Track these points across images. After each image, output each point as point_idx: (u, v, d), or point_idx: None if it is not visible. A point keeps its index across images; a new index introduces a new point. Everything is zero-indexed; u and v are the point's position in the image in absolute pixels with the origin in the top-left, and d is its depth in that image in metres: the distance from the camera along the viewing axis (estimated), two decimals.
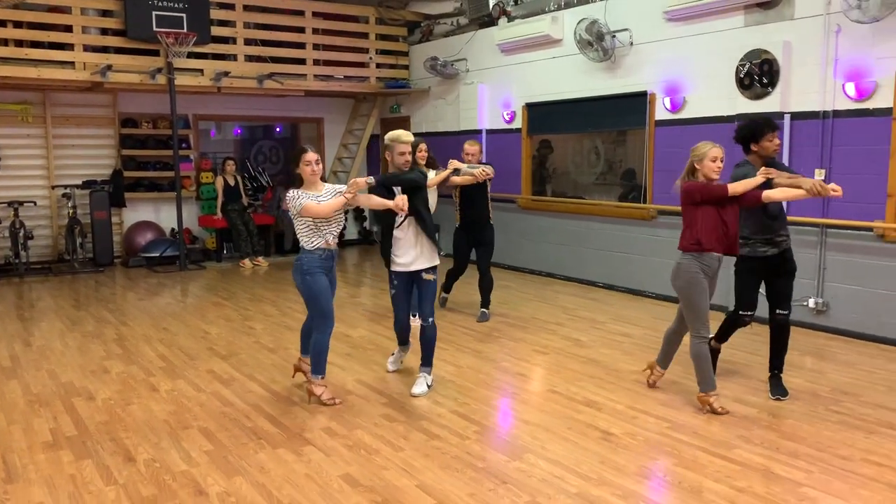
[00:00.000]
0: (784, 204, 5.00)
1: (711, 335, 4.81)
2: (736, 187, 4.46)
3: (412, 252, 4.91)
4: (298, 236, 4.69)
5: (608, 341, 6.30)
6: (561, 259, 9.29)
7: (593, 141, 9.36)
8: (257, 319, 7.23)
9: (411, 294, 5.18)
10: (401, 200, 4.55)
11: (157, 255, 10.45)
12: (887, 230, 6.10)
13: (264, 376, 5.38)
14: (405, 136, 4.88)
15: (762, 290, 4.94)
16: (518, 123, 9.79)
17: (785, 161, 6.70)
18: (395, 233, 4.89)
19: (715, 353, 5.06)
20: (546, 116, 9.39)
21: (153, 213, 11.17)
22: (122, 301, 8.22)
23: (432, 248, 4.97)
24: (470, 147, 7.08)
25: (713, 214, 4.50)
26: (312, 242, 4.63)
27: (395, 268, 4.96)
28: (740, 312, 4.93)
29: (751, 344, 6.07)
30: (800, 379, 5.24)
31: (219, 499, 3.47)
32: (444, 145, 10.66)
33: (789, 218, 6.62)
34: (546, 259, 9.51)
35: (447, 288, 7.52)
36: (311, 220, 4.58)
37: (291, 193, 4.58)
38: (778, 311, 4.85)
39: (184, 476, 3.72)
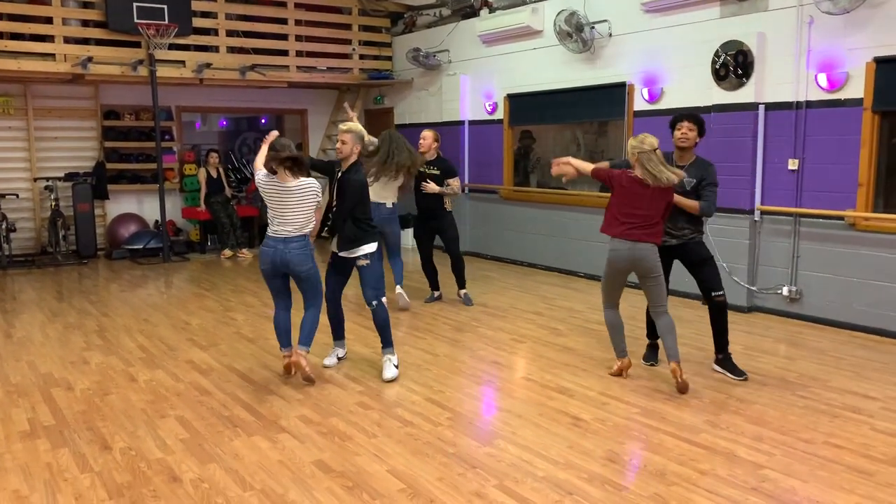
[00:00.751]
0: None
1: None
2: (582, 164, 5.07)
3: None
4: (307, 220, 4.85)
5: (585, 330, 6.39)
6: (542, 249, 9.37)
7: (575, 131, 9.43)
8: (238, 310, 7.28)
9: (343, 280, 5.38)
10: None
11: (141, 247, 10.47)
12: (858, 219, 6.20)
13: (242, 366, 5.43)
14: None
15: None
16: (500, 114, 9.84)
17: (759, 151, 6.81)
18: None
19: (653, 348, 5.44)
20: (527, 107, 9.45)
21: (136, 205, 11.17)
22: (105, 293, 8.24)
23: (356, 235, 5.07)
24: (426, 133, 7.31)
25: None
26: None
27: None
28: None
29: (706, 326, 6.16)
30: (769, 365, 5.35)
31: (192, 485, 3.53)
32: None
33: (764, 208, 6.76)
34: (528, 249, 9.58)
35: (434, 286, 7.61)
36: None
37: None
38: (714, 294, 5.00)
39: (159, 463, 3.77)
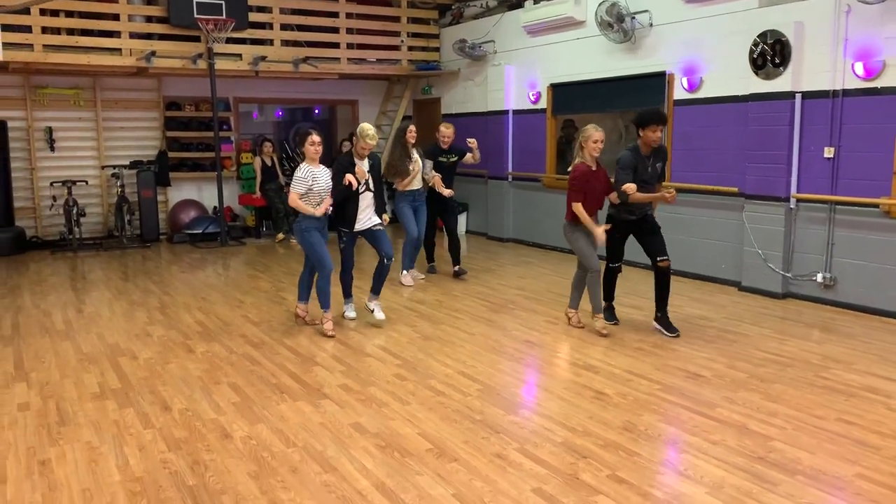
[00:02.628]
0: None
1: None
2: (577, 211, 5.80)
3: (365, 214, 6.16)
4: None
5: (618, 313, 6.58)
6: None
7: (617, 120, 9.57)
8: (289, 291, 7.69)
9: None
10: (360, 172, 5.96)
11: (200, 231, 11.02)
12: (893, 207, 6.25)
13: (291, 341, 5.83)
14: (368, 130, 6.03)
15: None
16: (543, 104, 10.04)
17: (795, 140, 6.89)
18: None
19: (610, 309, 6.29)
20: (570, 97, 9.63)
21: (196, 192, 11.75)
22: (166, 274, 8.78)
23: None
24: (445, 129, 7.98)
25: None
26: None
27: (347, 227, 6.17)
28: (610, 265, 6.14)
29: (748, 315, 6.31)
30: (796, 348, 5.49)
31: (241, 441, 3.91)
32: (473, 125, 11.02)
33: (800, 195, 6.84)
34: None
35: (430, 258, 8.50)
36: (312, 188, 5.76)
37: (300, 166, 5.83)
38: (658, 259, 5.77)
39: (212, 423, 4.17)
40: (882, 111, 6.24)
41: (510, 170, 10.67)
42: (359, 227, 6.15)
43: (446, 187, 7.82)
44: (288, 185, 11.55)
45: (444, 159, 7.94)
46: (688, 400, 4.46)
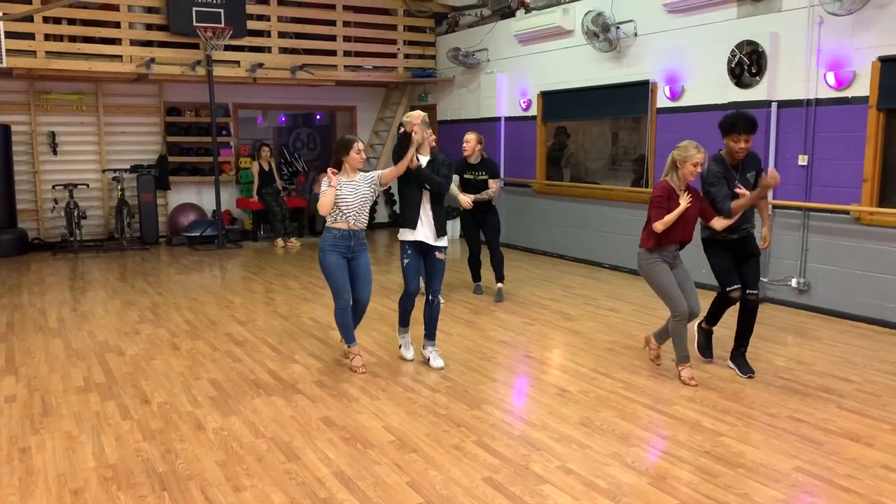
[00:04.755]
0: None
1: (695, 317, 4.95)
2: (657, 227, 4.72)
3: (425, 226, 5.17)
4: None
5: (594, 315, 6.76)
6: (570, 241, 9.73)
7: (607, 127, 9.75)
8: (279, 292, 7.90)
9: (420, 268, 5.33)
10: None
11: (198, 234, 11.26)
12: (863, 213, 6.39)
13: (274, 339, 6.02)
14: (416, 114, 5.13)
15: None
16: (534, 111, 10.23)
17: (771, 149, 7.04)
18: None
19: (708, 333, 5.40)
20: (559, 104, 9.82)
21: (195, 196, 11.99)
22: (162, 275, 9.00)
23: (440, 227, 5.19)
24: (467, 136, 7.35)
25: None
26: (334, 221, 5.02)
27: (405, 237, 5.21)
28: (727, 290, 4.99)
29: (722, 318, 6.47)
30: (762, 350, 5.63)
31: (213, 432, 4.11)
32: (465, 132, 11.20)
33: (776, 202, 6.98)
34: (556, 241, 9.96)
35: (476, 277, 7.75)
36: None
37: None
38: (748, 292, 4.99)
39: (188, 415, 4.37)
40: (852, 120, 6.39)
41: (501, 176, 10.84)
42: (420, 236, 5.13)
43: (477, 208, 7.15)
44: (286, 189, 11.85)
45: (472, 176, 7.23)
46: (647, 398, 4.62)
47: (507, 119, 10.76)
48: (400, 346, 5.51)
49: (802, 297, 6.93)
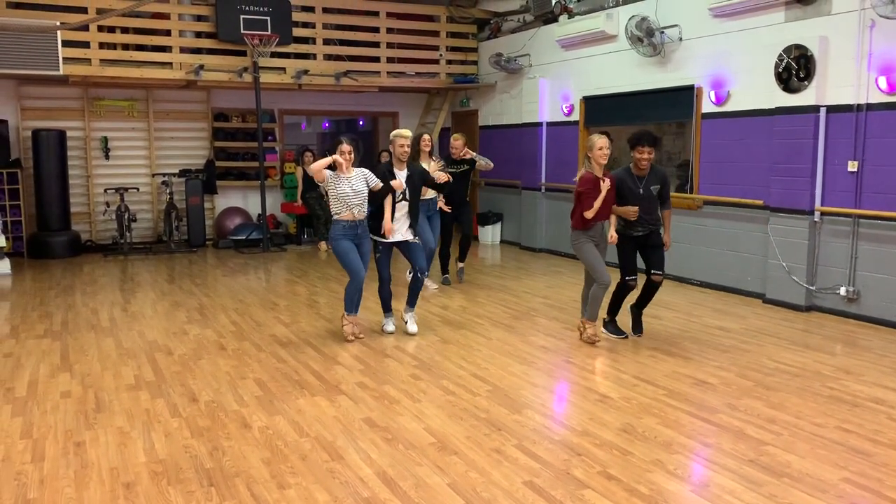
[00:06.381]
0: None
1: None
2: (588, 214, 5.79)
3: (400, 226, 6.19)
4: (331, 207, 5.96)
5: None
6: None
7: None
8: (322, 295, 8.01)
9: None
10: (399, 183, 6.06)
11: (244, 237, 11.47)
12: None
13: (317, 341, 6.12)
14: (405, 132, 6.22)
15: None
16: (576, 116, 10.20)
17: (819, 154, 6.92)
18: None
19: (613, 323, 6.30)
20: (601, 109, 9.78)
21: (242, 200, 12.23)
22: (209, 277, 9.20)
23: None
24: (454, 140, 8.22)
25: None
26: (339, 213, 5.83)
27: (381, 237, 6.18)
28: (626, 279, 6.02)
29: (769, 326, 6.36)
30: (809, 360, 5.54)
31: (259, 431, 4.20)
32: (507, 137, 11.25)
33: (824, 209, 6.87)
34: None
35: (445, 270, 8.53)
36: (336, 193, 5.80)
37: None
38: (653, 272, 6.02)
39: (235, 414, 4.47)
40: None
41: (543, 181, 10.85)
42: (393, 237, 6.17)
43: (458, 196, 8.07)
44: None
45: (454, 169, 8.01)
46: (690, 405, 4.58)
47: (549, 124, 10.75)
48: (384, 325, 6.40)
49: (852, 305, 6.79)
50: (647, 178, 5.86)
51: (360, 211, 5.87)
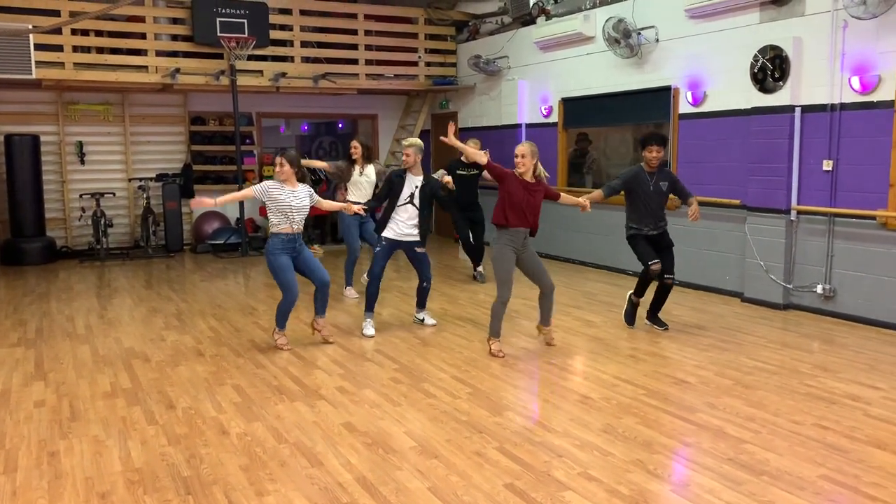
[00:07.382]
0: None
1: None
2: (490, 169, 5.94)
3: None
4: (269, 219, 5.91)
5: (618, 323, 6.73)
6: (593, 248, 9.70)
7: (629, 133, 9.72)
8: (301, 299, 7.90)
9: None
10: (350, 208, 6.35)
11: (222, 242, 11.37)
12: (889, 219, 6.31)
13: (296, 345, 6.07)
14: (408, 141, 6.45)
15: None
16: (555, 117, 10.23)
17: (795, 154, 6.98)
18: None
19: (635, 305, 6.62)
20: (580, 110, 9.81)
21: None
22: (187, 282, 9.11)
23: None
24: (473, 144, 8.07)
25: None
26: (278, 225, 5.82)
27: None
28: (649, 263, 6.23)
29: (747, 325, 6.41)
30: (787, 357, 5.59)
31: (237, 437, 4.15)
32: (487, 139, 11.23)
33: (800, 207, 6.93)
34: (579, 248, 9.94)
35: (478, 261, 8.82)
36: (277, 206, 5.72)
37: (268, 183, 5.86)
38: (666, 277, 6.28)
39: (213, 420, 4.42)
40: (877, 125, 6.33)
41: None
42: (394, 235, 6.34)
43: (468, 200, 8.42)
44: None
45: (465, 172, 8.35)
46: (669, 405, 4.60)
47: (528, 126, 10.76)
48: (363, 328, 6.41)
49: (828, 303, 6.85)
50: (656, 175, 6.21)
51: (300, 225, 5.91)
